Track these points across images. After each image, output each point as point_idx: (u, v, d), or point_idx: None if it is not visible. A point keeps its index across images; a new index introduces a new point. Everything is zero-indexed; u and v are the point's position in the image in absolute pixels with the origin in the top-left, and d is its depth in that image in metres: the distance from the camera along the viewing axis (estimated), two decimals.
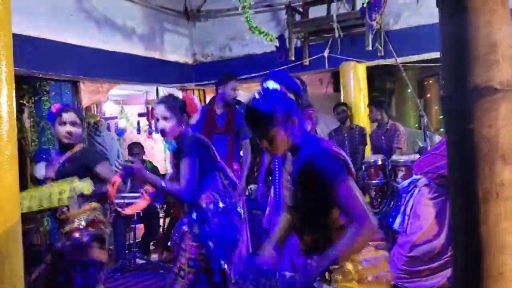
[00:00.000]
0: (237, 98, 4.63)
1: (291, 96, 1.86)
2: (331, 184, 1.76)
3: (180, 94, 6.95)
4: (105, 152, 6.90)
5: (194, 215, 2.76)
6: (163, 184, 2.71)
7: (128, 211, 3.19)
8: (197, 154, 2.72)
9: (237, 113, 4.54)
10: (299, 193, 1.88)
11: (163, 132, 2.79)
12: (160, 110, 2.79)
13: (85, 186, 2.79)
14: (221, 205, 2.75)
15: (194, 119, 2.93)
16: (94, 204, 3.02)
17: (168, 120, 2.77)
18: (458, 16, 1.06)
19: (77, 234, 2.92)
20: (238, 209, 2.84)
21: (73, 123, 2.98)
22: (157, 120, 2.80)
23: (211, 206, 2.74)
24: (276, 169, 4.05)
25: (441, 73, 1.13)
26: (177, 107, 2.81)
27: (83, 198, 2.90)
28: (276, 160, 3.98)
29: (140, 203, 3.02)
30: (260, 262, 1.97)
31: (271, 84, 1.85)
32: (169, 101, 2.83)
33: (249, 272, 1.92)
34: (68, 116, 2.99)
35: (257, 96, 1.84)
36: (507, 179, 1.08)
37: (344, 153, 1.88)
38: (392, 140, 5.62)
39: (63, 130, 2.99)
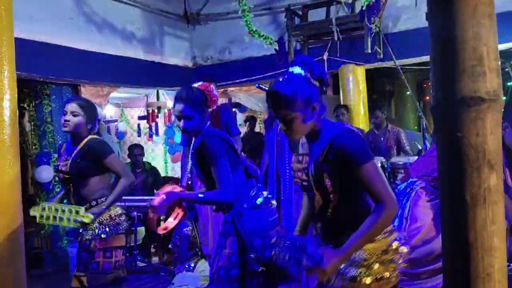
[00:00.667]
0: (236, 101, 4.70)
1: (315, 83, 1.88)
2: (358, 163, 1.77)
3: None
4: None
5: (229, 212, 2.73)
6: (200, 196, 2.70)
7: (160, 230, 3.23)
8: (225, 153, 2.65)
9: (222, 110, 4.63)
10: (323, 177, 1.86)
11: (185, 131, 2.73)
12: (181, 108, 2.68)
13: (86, 217, 2.84)
14: (259, 200, 2.72)
15: None
16: (118, 209, 3.11)
17: (191, 117, 2.68)
18: (447, 28, 1.10)
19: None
20: (271, 202, 2.81)
21: (73, 113, 3.01)
22: (179, 118, 2.71)
23: (247, 202, 2.70)
24: (287, 161, 4.07)
25: (431, 83, 1.18)
26: (198, 102, 2.71)
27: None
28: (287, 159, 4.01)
29: (173, 221, 3.05)
30: (294, 238, 1.95)
31: (296, 69, 1.87)
32: (189, 97, 2.69)
33: (284, 247, 1.88)
34: (69, 106, 3.03)
35: (280, 79, 1.87)
36: (494, 184, 1.12)
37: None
38: (392, 142, 5.68)
39: (63, 119, 3.04)
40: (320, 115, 1.90)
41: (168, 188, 2.95)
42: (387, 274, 1.83)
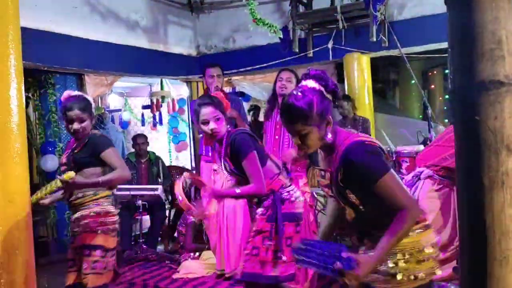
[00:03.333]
0: (240, 90, 4.72)
1: (328, 96, 1.88)
2: (372, 179, 1.77)
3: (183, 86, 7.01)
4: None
5: (268, 200, 2.86)
6: (237, 191, 2.82)
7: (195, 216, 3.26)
8: (254, 147, 2.81)
9: (233, 100, 4.67)
10: (346, 194, 1.86)
11: (216, 133, 2.85)
12: (209, 111, 2.83)
13: (66, 174, 2.80)
14: (290, 188, 2.90)
15: None
16: (107, 192, 3.07)
17: (219, 119, 2.84)
18: (465, 12, 1.09)
19: (87, 221, 2.96)
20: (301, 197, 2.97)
21: (80, 120, 2.98)
22: (206, 123, 2.84)
23: (283, 190, 2.87)
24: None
25: (449, 67, 1.17)
26: (221, 105, 2.89)
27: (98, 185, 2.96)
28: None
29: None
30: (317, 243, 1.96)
31: (310, 83, 1.87)
32: (213, 101, 2.88)
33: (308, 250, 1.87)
34: (73, 114, 2.98)
35: (295, 93, 1.86)
36: (511, 168, 1.12)
37: (376, 140, 1.89)
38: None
39: (71, 128, 3.01)
40: (334, 128, 1.89)
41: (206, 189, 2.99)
42: (422, 274, 1.83)
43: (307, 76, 1.91)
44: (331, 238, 2.24)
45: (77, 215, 3.00)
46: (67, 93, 3.11)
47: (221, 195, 2.94)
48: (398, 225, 1.73)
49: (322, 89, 1.86)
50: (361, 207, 1.86)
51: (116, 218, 3.09)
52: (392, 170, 1.79)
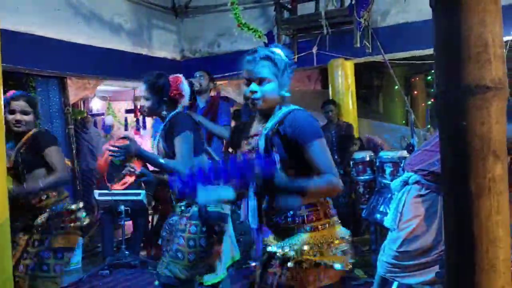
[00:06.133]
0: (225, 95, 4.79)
1: (290, 70, 2.01)
2: (306, 139, 1.86)
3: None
4: (91, 148, 6.87)
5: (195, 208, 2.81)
6: (161, 160, 2.75)
7: (116, 186, 3.18)
8: (191, 130, 2.80)
9: (221, 103, 4.87)
10: (272, 150, 1.93)
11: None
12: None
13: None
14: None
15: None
16: (66, 193, 3.04)
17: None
18: (452, 15, 1.08)
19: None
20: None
21: (23, 112, 2.89)
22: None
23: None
24: None
25: (434, 71, 1.16)
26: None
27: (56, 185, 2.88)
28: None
29: (129, 179, 3.02)
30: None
31: (279, 50, 1.99)
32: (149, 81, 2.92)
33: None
34: (17, 104, 2.89)
35: (274, 47, 2.00)
36: (499, 174, 1.11)
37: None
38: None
39: (12, 118, 2.89)
40: (285, 99, 1.98)
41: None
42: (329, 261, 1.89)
43: (276, 47, 2.03)
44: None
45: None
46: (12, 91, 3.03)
47: (142, 155, 2.77)
48: (317, 180, 1.83)
49: (288, 60, 2.00)
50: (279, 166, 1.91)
51: None
52: (324, 139, 1.90)
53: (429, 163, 2.94)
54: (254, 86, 1.93)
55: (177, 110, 2.92)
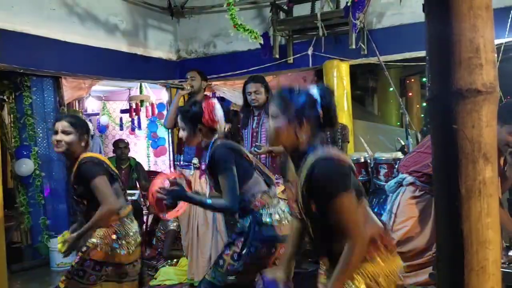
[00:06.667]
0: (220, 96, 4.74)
1: (319, 109, 1.86)
2: (329, 195, 1.76)
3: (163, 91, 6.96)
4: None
5: (249, 219, 2.77)
6: (208, 201, 2.73)
7: (169, 216, 3.20)
8: (232, 162, 2.73)
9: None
10: (310, 206, 1.85)
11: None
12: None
13: (60, 244, 2.83)
14: (271, 211, 2.77)
15: None
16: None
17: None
18: (443, 20, 1.10)
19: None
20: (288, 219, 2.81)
21: (64, 132, 2.88)
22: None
23: (264, 211, 2.75)
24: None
25: (427, 75, 1.18)
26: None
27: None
28: None
29: (182, 206, 3.02)
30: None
31: (312, 89, 1.90)
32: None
33: None
34: (60, 124, 2.89)
35: (293, 87, 1.93)
36: (489, 177, 1.13)
37: (350, 160, 1.88)
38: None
39: (54, 139, 2.90)
40: (310, 140, 1.87)
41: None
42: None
43: (316, 86, 1.93)
44: (292, 268, 2.24)
45: None
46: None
47: (189, 200, 2.80)
48: (345, 260, 1.76)
49: (319, 99, 1.86)
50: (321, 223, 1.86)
51: None
52: (352, 193, 1.78)
53: (423, 165, 2.96)
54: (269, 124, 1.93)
55: (215, 138, 2.84)
